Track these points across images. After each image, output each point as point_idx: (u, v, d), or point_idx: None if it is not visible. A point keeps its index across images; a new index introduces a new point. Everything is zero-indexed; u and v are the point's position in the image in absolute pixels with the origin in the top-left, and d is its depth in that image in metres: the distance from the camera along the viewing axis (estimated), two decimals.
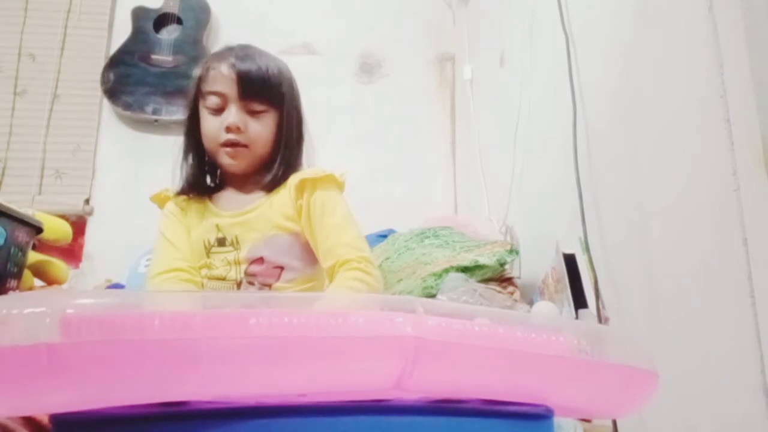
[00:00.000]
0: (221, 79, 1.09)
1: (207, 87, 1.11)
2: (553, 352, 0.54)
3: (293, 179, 1.10)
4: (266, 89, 1.10)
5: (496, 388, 0.54)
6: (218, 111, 1.09)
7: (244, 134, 1.08)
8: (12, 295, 0.45)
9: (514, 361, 0.53)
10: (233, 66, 1.09)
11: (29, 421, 0.56)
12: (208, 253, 1.09)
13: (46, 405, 0.45)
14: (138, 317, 0.45)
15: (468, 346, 0.51)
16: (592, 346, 0.56)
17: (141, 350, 0.44)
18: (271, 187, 1.12)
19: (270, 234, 1.08)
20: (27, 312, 0.43)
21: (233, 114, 1.08)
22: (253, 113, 1.09)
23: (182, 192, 1.15)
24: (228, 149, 1.08)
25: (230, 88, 1.08)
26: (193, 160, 1.15)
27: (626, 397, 0.59)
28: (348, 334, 0.48)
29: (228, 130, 1.07)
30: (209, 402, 0.49)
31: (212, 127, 1.09)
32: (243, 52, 1.12)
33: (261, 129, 1.10)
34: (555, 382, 0.55)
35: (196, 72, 1.15)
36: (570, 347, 0.55)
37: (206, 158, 1.16)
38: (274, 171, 1.12)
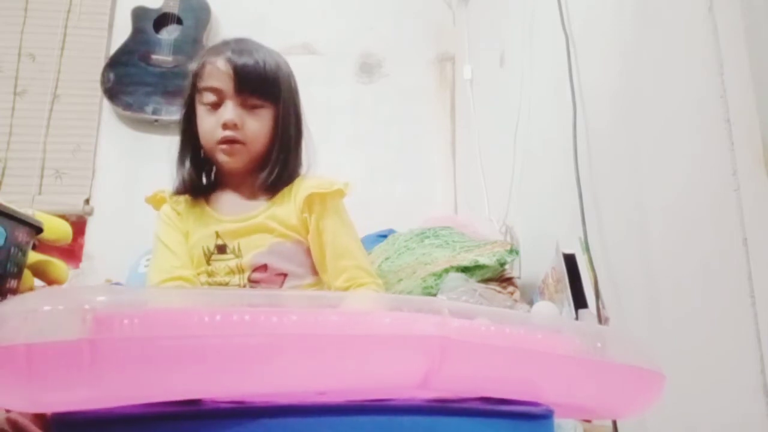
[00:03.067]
0: (217, 74, 1.07)
1: (203, 83, 1.08)
2: (572, 354, 0.55)
3: (301, 191, 1.08)
4: (263, 84, 1.08)
5: (516, 388, 0.54)
6: (214, 107, 1.07)
7: (241, 131, 1.06)
8: (49, 291, 0.46)
9: (536, 362, 0.54)
10: (229, 60, 1.06)
11: (39, 417, 0.56)
12: (208, 260, 1.07)
13: (85, 401, 0.44)
14: (179, 314, 0.45)
15: (492, 347, 0.52)
16: (603, 347, 0.57)
17: (180, 347, 0.44)
18: (271, 190, 1.10)
19: (273, 241, 1.06)
20: (67, 308, 0.43)
21: (229, 110, 1.05)
22: (249, 109, 1.07)
23: (178, 192, 1.12)
24: (224, 146, 1.06)
25: (226, 84, 1.06)
26: (190, 158, 1.13)
27: (635, 397, 0.59)
28: (377, 333, 0.49)
29: (225, 126, 1.05)
30: (213, 401, 0.49)
31: (208, 124, 1.07)
32: (239, 45, 1.09)
33: (258, 126, 1.08)
34: (570, 383, 0.56)
35: (192, 67, 1.13)
36: (586, 348, 0.56)
37: (203, 157, 1.13)
38: (269, 170, 1.09)
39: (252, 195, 1.11)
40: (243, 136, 1.06)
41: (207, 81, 1.08)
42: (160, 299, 0.52)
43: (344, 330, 0.48)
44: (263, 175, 1.10)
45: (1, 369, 0.41)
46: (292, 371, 0.48)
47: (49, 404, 0.45)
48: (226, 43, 1.11)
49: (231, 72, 1.06)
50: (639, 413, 0.61)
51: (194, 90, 1.11)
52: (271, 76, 1.09)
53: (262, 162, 1.11)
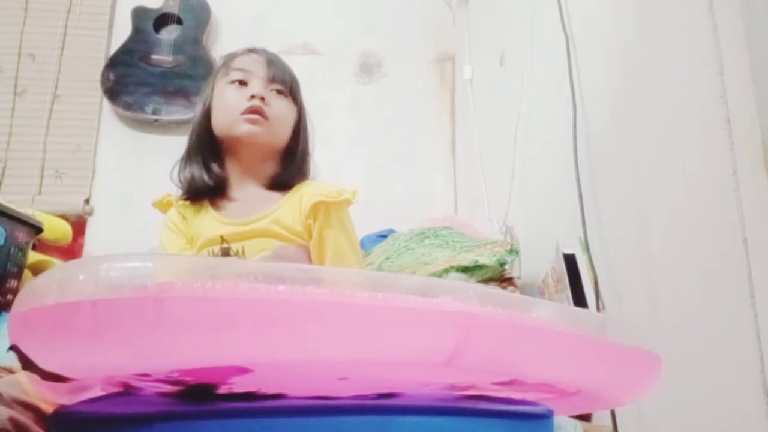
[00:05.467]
0: (249, 60, 1.11)
1: (233, 65, 1.11)
2: (592, 335, 0.55)
3: (308, 197, 1.07)
4: (290, 80, 1.13)
5: (537, 369, 0.54)
6: (241, 84, 1.09)
7: (268, 108, 1.08)
8: (110, 255, 0.45)
9: (558, 343, 0.54)
10: (262, 53, 1.13)
11: (41, 417, 0.56)
12: None
13: (147, 360, 0.44)
14: (238, 280, 0.45)
15: (518, 326, 0.51)
16: (615, 331, 0.58)
17: (238, 311, 0.44)
18: (285, 184, 1.10)
19: (278, 245, 1.05)
20: (131, 267, 0.43)
21: (258, 86, 1.08)
22: (276, 93, 1.11)
23: (186, 193, 1.11)
24: (249, 115, 1.06)
25: (257, 69, 1.10)
26: (202, 153, 1.11)
27: (641, 380, 0.59)
28: (408, 306, 0.48)
29: (252, 98, 1.07)
30: (214, 401, 0.49)
31: (233, 98, 1.08)
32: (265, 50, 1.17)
33: (283, 109, 1.10)
34: (587, 364, 0.56)
35: (219, 64, 1.17)
36: (598, 331, 0.57)
37: (213, 157, 1.11)
38: (289, 162, 1.11)
39: (266, 186, 1.11)
40: (269, 112, 1.08)
41: (237, 64, 1.12)
42: (218, 266, 0.51)
43: (376, 302, 0.48)
44: (283, 165, 1.12)
45: (66, 325, 0.41)
46: (329, 340, 0.47)
47: (110, 363, 0.44)
48: (255, 47, 1.17)
49: (264, 61, 1.11)
50: (640, 397, 0.61)
51: (216, 79, 1.13)
52: (296, 82, 1.15)
53: (280, 153, 1.12)
